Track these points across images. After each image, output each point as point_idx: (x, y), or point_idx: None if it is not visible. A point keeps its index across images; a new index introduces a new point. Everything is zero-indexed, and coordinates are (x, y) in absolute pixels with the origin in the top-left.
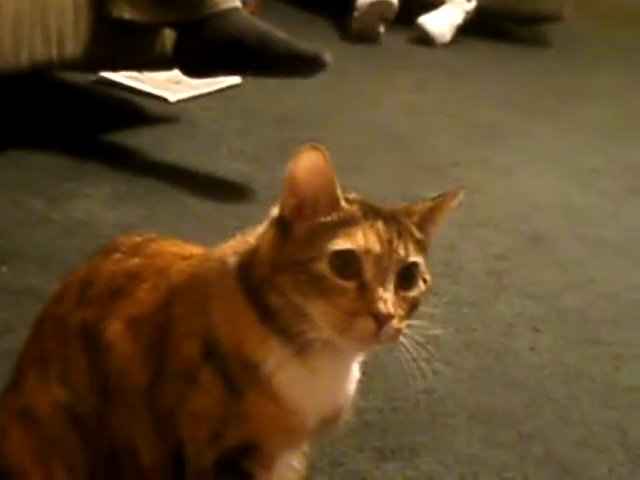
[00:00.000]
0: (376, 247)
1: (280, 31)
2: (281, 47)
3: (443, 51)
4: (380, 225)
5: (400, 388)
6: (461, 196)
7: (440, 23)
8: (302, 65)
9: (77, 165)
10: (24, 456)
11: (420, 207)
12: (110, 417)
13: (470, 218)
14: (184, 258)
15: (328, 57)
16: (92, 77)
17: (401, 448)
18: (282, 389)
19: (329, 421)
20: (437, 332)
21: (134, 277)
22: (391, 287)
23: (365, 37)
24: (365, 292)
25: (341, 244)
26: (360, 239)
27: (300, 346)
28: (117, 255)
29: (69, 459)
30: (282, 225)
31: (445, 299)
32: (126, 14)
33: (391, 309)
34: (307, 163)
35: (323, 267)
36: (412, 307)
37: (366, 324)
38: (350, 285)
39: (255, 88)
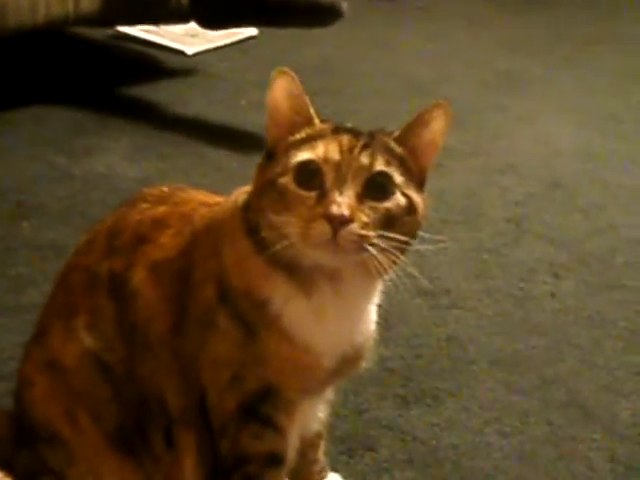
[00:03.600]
0: (335, 155)
1: None
2: None
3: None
4: (345, 137)
5: (422, 335)
6: (446, 109)
7: None
8: (319, 14)
9: (96, 120)
10: (51, 407)
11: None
12: (137, 365)
13: (490, 165)
14: (209, 206)
15: (344, 6)
16: (109, 32)
17: (424, 395)
18: (292, 327)
19: (348, 362)
20: (421, 248)
21: (159, 223)
22: (350, 193)
23: None
24: (322, 198)
25: (301, 155)
26: (320, 149)
27: (302, 280)
28: (144, 205)
29: (97, 409)
30: (268, 154)
31: (465, 246)
32: None
33: (345, 211)
34: (279, 89)
35: (287, 180)
36: (388, 220)
37: (321, 227)
38: (311, 194)
39: (272, 39)
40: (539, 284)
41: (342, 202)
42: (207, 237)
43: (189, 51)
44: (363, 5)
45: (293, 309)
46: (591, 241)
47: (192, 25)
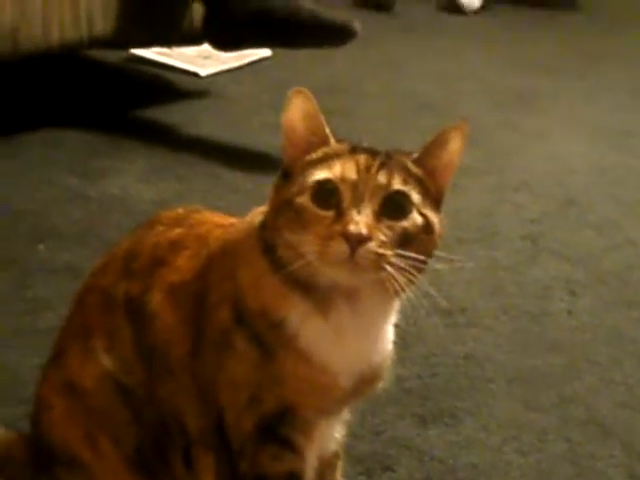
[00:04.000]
0: (352, 174)
1: (308, 1)
2: (310, 17)
3: (472, 18)
4: (362, 157)
5: (439, 354)
6: (464, 129)
7: None
8: (331, 34)
9: (111, 142)
10: (69, 430)
11: (424, 146)
12: (156, 387)
13: (504, 183)
14: (224, 227)
15: (357, 26)
16: (123, 55)
17: (442, 414)
18: (309, 347)
19: (366, 382)
20: (438, 267)
21: (175, 246)
22: (367, 212)
23: (380, 5)
24: (340, 217)
25: (318, 174)
26: (337, 168)
27: (319, 299)
28: (160, 227)
29: (116, 431)
30: (284, 173)
31: (481, 264)
32: None
33: (363, 230)
34: (295, 109)
35: (304, 199)
36: (404, 239)
37: (339, 246)
38: (329, 213)
39: (285, 60)
40: (556, 301)
41: (360, 221)
42: (222, 259)
43: (202, 73)
44: (374, 24)
45: (310, 329)
46: (607, 258)
47: (205, 47)
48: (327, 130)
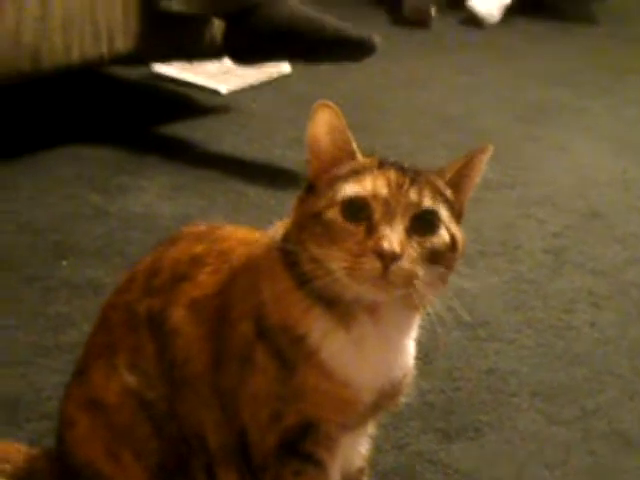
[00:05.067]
0: (383, 190)
1: (328, 16)
2: (330, 32)
3: (493, 31)
4: (392, 172)
5: (462, 368)
6: (490, 150)
7: (488, 4)
8: (351, 49)
9: (132, 158)
10: (93, 447)
11: (452, 166)
12: (178, 403)
13: (526, 197)
14: (247, 243)
15: (377, 40)
16: (144, 72)
17: (465, 428)
18: (330, 361)
19: (387, 396)
20: (465, 285)
21: (197, 261)
22: (399, 228)
23: (417, 21)
24: (371, 233)
25: (349, 190)
26: (368, 184)
27: (341, 313)
28: (182, 243)
29: (139, 447)
30: (308, 187)
31: (504, 278)
32: (174, 6)
33: (396, 247)
34: (321, 122)
35: (334, 214)
36: (432, 256)
37: (372, 263)
38: (359, 228)
39: (305, 76)
40: (579, 314)
41: (393, 238)
42: (245, 274)
43: (223, 89)
44: (395, 35)
45: (332, 343)
46: (630, 270)
47: (225, 62)
48: (354, 144)
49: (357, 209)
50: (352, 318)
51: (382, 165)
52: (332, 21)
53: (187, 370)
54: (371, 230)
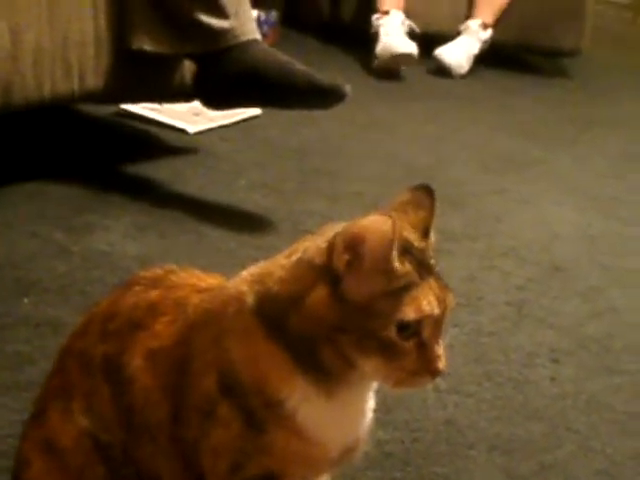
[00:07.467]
0: (435, 309)
1: (299, 63)
2: (300, 79)
3: (461, 82)
4: (433, 283)
5: (420, 419)
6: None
7: (457, 54)
8: (322, 97)
9: (96, 197)
10: None
11: (423, 223)
12: (135, 447)
13: (490, 248)
14: (200, 291)
15: (347, 88)
16: (112, 109)
17: (422, 479)
18: (306, 424)
19: (349, 450)
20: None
21: (153, 309)
22: (441, 341)
23: (386, 75)
24: (424, 351)
25: (409, 314)
26: (425, 306)
27: (327, 382)
28: (138, 288)
29: None
30: (332, 279)
31: (465, 329)
32: (146, 46)
33: (446, 365)
34: (378, 232)
35: (392, 335)
36: None
37: (425, 380)
38: (410, 345)
39: (274, 120)
40: (539, 368)
41: (443, 356)
42: (205, 328)
43: (191, 130)
44: (364, 83)
45: (310, 408)
46: (590, 325)
47: (195, 104)
48: (394, 258)
49: (409, 327)
50: (336, 387)
51: (420, 274)
52: (302, 68)
53: (145, 418)
54: (423, 347)
